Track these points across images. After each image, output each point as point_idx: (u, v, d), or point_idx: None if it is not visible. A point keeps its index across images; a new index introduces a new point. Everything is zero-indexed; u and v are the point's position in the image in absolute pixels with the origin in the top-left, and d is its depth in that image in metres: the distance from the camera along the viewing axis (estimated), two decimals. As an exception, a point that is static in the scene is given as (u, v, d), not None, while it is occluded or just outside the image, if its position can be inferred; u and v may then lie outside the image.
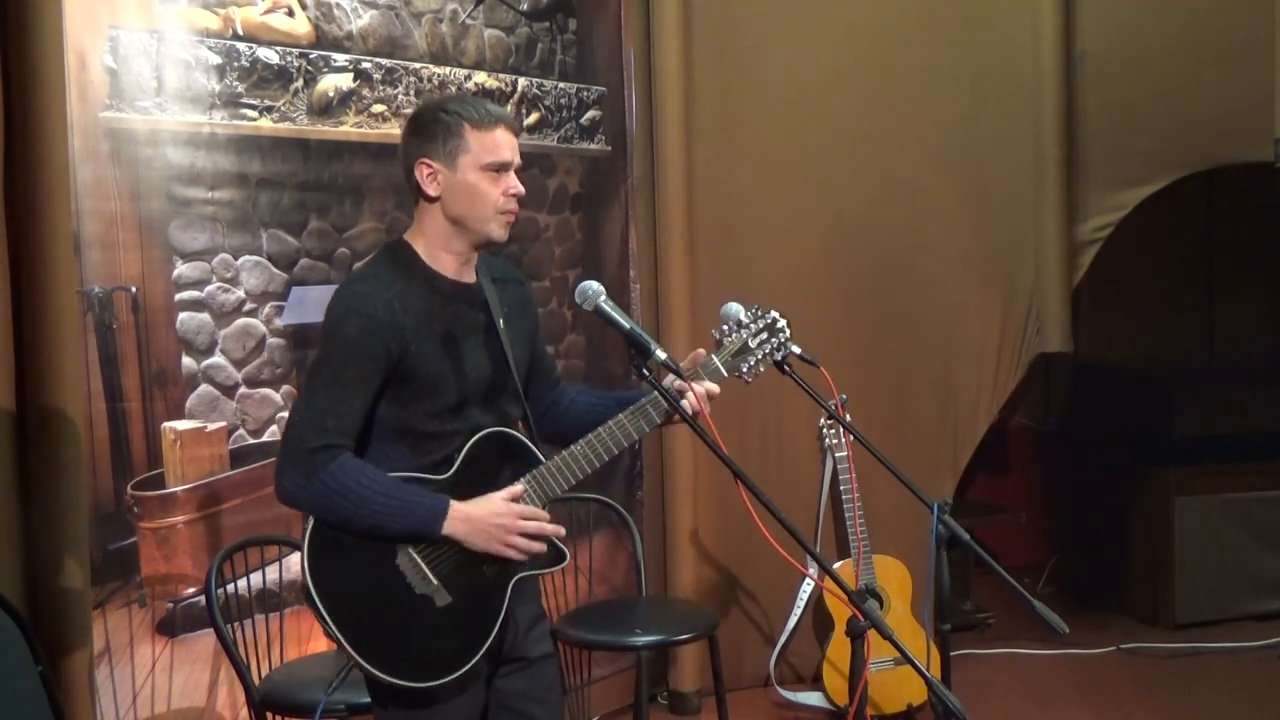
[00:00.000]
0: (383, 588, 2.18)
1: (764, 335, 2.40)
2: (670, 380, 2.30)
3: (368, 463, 2.20)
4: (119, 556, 3.18)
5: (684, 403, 2.26)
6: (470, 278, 2.32)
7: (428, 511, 2.17)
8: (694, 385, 2.28)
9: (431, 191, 2.25)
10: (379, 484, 2.16)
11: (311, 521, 2.20)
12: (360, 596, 2.17)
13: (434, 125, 2.25)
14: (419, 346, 2.20)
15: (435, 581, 2.19)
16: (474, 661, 2.21)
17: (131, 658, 3.19)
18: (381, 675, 2.15)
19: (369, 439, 2.24)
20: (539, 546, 2.25)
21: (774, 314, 2.43)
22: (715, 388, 2.35)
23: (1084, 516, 5.79)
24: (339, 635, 2.15)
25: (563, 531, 2.29)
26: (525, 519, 2.23)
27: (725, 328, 2.42)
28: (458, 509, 2.19)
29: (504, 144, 2.25)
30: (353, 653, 2.15)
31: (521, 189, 2.28)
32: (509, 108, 4.01)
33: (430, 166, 2.24)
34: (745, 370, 2.40)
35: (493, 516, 2.20)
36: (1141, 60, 4.98)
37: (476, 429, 2.26)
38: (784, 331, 2.43)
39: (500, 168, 2.25)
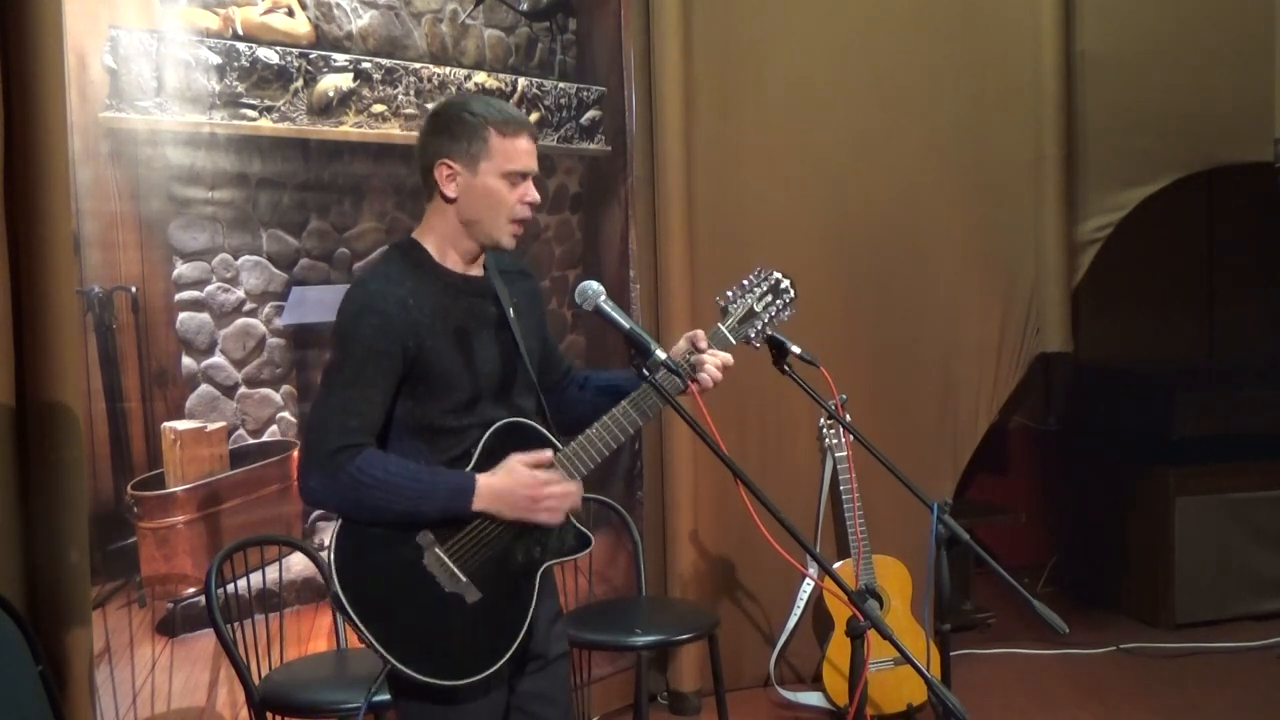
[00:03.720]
0: (411, 588, 2.18)
1: (768, 298, 2.43)
2: (686, 355, 2.32)
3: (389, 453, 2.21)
4: (119, 556, 3.18)
5: (701, 375, 2.27)
6: (479, 272, 2.33)
7: (457, 489, 2.18)
8: (706, 357, 2.30)
9: (449, 193, 2.25)
10: (405, 470, 2.16)
11: (337, 526, 2.20)
12: (389, 597, 2.17)
13: (458, 126, 2.24)
14: (434, 342, 2.20)
15: (464, 579, 2.19)
16: (508, 656, 2.21)
17: (131, 658, 3.19)
18: (417, 675, 2.15)
19: (386, 437, 2.24)
20: (571, 506, 2.26)
21: (776, 274, 2.45)
22: (729, 357, 2.35)
23: (1084, 516, 5.79)
24: (370, 638, 2.15)
25: (579, 501, 2.30)
26: (550, 483, 2.23)
27: (729, 294, 2.42)
28: (485, 483, 2.19)
29: (526, 152, 2.26)
30: (386, 654, 2.15)
31: (538, 197, 2.28)
32: (509, 108, 4.01)
33: (451, 168, 2.24)
34: (753, 335, 2.41)
35: (519, 486, 2.21)
36: (1141, 60, 4.98)
37: (490, 423, 2.26)
38: (788, 292, 2.45)
39: (521, 176, 2.25)
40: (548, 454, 2.26)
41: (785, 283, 2.46)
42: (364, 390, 2.16)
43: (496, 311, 2.32)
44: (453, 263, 2.29)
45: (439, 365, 2.20)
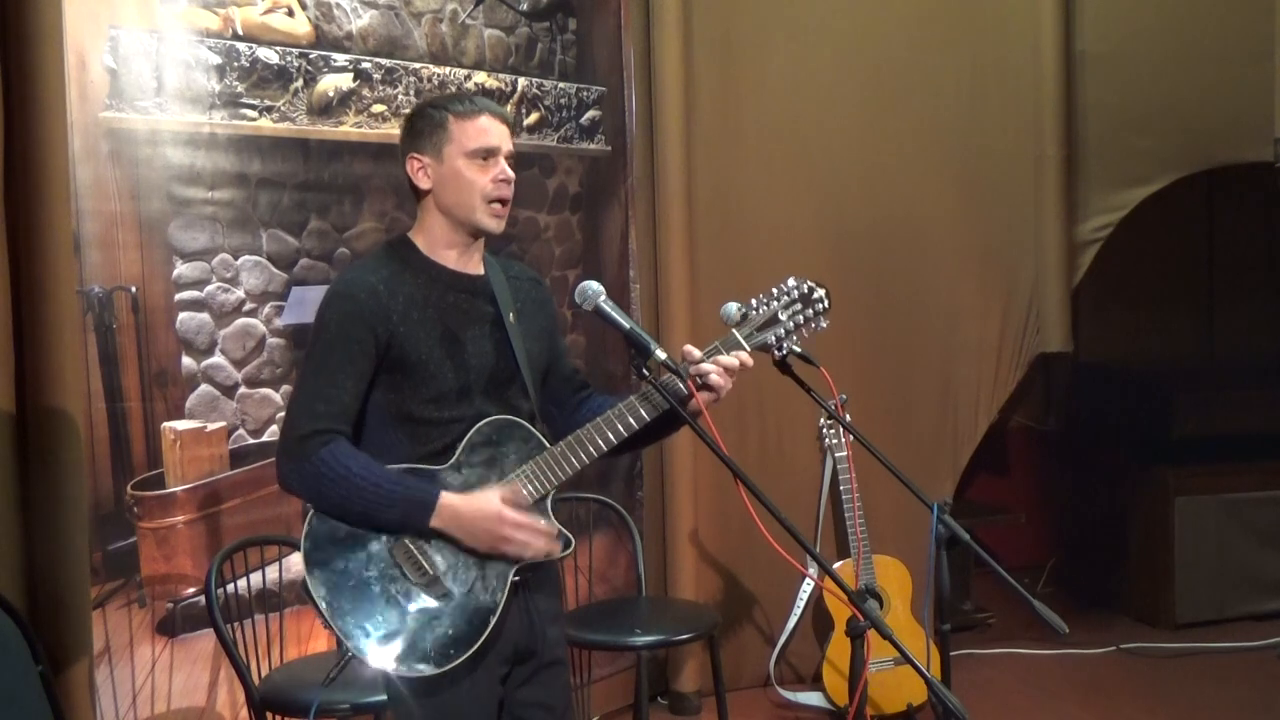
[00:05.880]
0: (380, 578, 2.17)
1: (796, 305, 2.31)
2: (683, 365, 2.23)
3: (362, 451, 2.20)
4: (119, 556, 3.18)
5: (711, 379, 2.21)
6: (476, 270, 2.33)
7: (417, 504, 2.16)
8: (706, 366, 2.22)
9: (423, 185, 2.28)
10: (370, 472, 2.15)
11: (310, 511, 2.20)
12: (357, 587, 2.16)
13: (421, 120, 2.29)
14: (409, 330, 2.20)
15: (432, 571, 2.19)
16: (473, 650, 2.18)
17: (131, 658, 3.19)
18: (379, 666, 2.15)
19: (366, 426, 2.23)
20: (533, 551, 2.21)
21: (810, 283, 2.33)
22: (733, 361, 2.24)
23: (1084, 516, 5.79)
24: (334, 626, 2.14)
25: (556, 548, 2.24)
26: (517, 524, 2.19)
27: (753, 300, 2.31)
28: (447, 504, 2.16)
29: (488, 130, 2.26)
30: (349, 643, 2.14)
31: (510, 174, 2.27)
32: (509, 108, 4.02)
33: (419, 160, 2.27)
34: (773, 341, 2.29)
35: (482, 519, 2.17)
36: (1141, 60, 4.98)
37: (480, 418, 2.25)
38: (821, 301, 2.32)
39: (486, 154, 2.25)
40: (518, 488, 2.21)
41: (819, 291, 2.32)
42: (333, 376, 2.17)
43: (492, 311, 2.31)
44: (443, 258, 2.29)
45: (415, 354, 2.20)
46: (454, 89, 3.85)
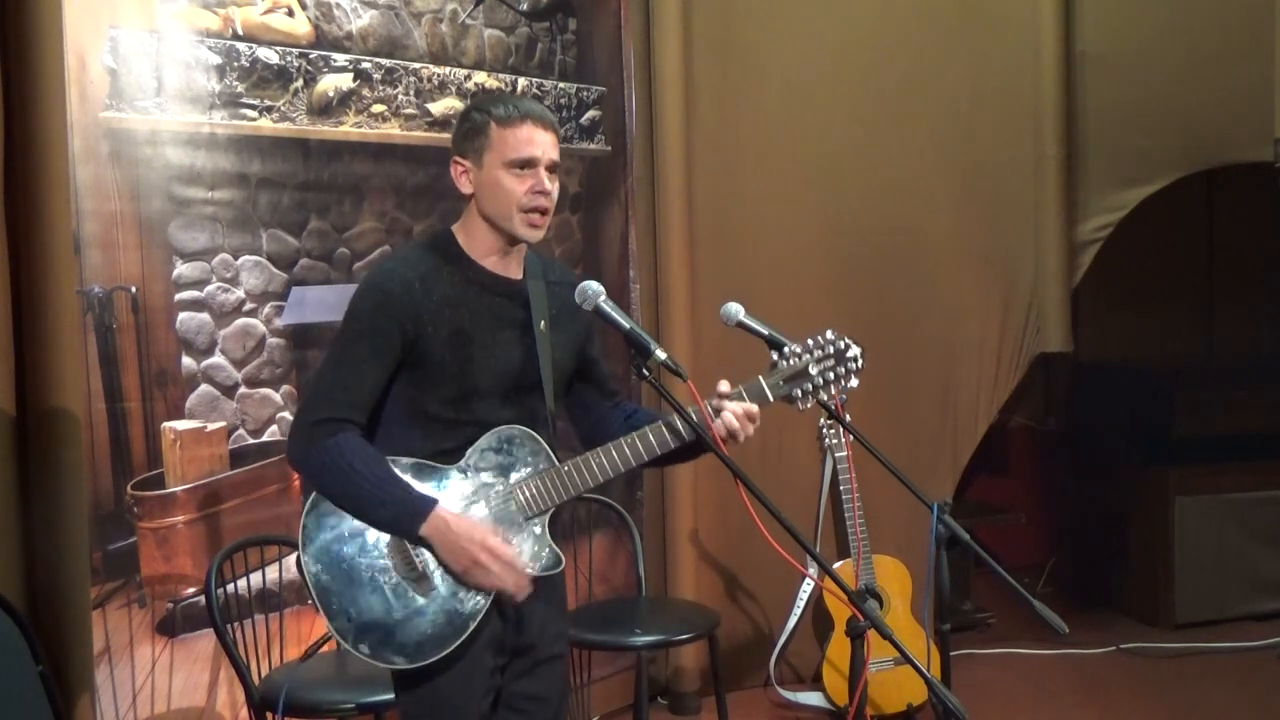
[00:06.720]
0: (372, 566, 2.20)
1: (828, 362, 2.28)
2: (711, 401, 2.22)
3: (371, 445, 2.21)
4: (119, 556, 3.18)
5: (719, 421, 2.20)
6: (515, 274, 2.32)
7: (411, 509, 2.17)
8: (728, 404, 2.22)
9: (465, 189, 2.28)
10: (372, 468, 2.17)
11: (310, 498, 2.23)
12: (349, 570, 2.19)
13: (466, 124, 2.28)
14: (437, 329, 2.20)
15: (420, 568, 2.20)
16: (446, 652, 2.19)
17: (131, 658, 3.19)
18: (354, 651, 2.18)
19: (383, 417, 2.25)
20: (501, 586, 2.20)
21: (847, 340, 2.30)
22: (753, 407, 2.23)
23: (1084, 516, 5.79)
24: (319, 603, 2.18)
25: (526, 587, 2.22)
26: (497, 557, 2.18)
27: (786, 349, 2.27)
28: (439, 515, 2.17)
29: (528, 140, 2.23)
30: (330, 624, 2.18)
31: (546, 186, 2.24)
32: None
33: (461, 165, 2.28)
34: (799, 395, 2.25)
35: (467, 540, 2.17)
36: (1141, 60, 4.98)
37: (495, 423, 2.26)
38: (855, 361, 2.29)
39: (524, 164, 2.23)
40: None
41: (855, 350, 2.28)
42: (356, 366, 2.19)
43: (524, 316, 2.30)
44: (482, 258, 2.29)
45: (440, 353, 2.20)
46: (454, 89, 3.85)
